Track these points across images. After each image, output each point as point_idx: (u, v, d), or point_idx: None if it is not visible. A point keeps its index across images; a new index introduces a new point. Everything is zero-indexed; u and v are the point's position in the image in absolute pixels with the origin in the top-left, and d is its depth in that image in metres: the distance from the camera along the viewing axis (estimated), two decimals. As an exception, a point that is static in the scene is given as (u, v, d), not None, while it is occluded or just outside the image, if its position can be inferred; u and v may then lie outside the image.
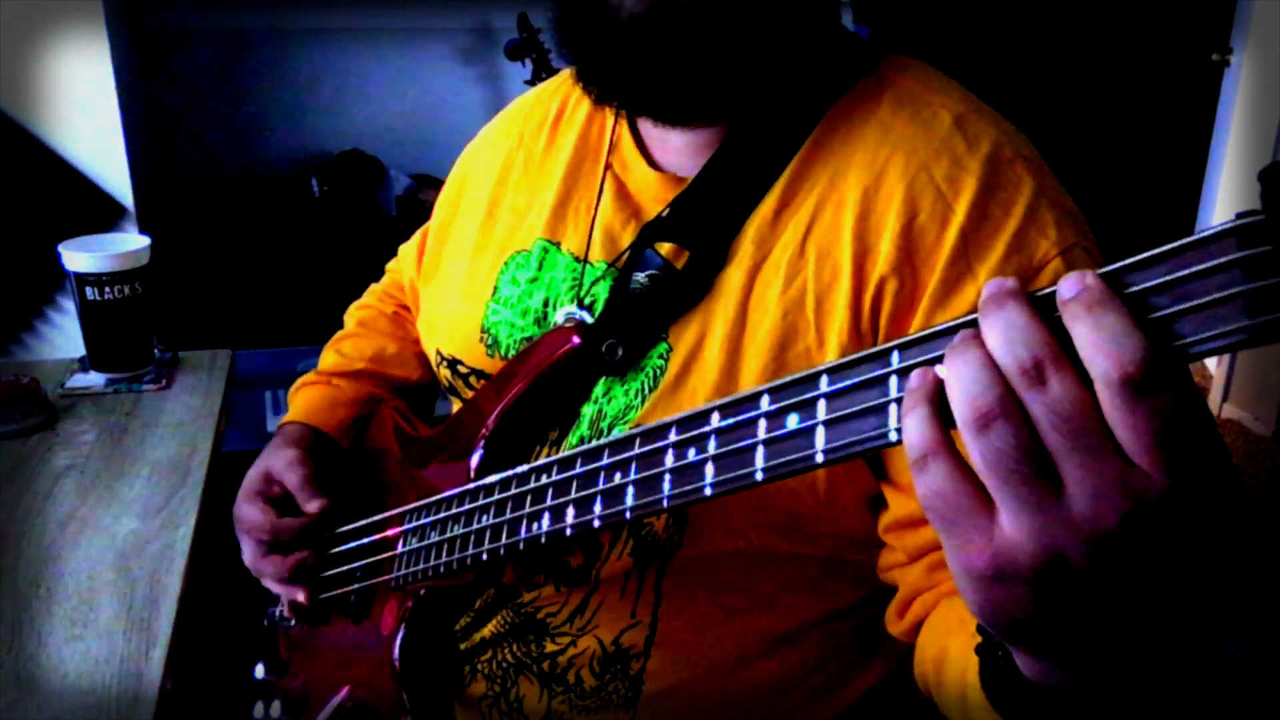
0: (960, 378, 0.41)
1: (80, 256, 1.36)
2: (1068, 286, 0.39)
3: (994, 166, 0.69)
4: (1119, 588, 0.41)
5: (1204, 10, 3.27)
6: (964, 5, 3.39)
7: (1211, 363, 3.25)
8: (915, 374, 0.43)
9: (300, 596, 0.90)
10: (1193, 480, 0.39)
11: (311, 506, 0.89)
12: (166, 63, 2.60)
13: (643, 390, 0.74)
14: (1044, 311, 0.40)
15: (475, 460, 0.77)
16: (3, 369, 1.47)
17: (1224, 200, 3.28)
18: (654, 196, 0.79)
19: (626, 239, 0.79)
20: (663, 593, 0.76)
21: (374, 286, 1.11)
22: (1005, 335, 0.40)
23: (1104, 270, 0.39)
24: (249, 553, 0.91)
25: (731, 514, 0.72)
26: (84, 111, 1.92)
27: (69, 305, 1.90)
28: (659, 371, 0.73)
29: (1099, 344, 0.38)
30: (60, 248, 1.37)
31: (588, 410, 0.76)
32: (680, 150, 0.78)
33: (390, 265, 1.11)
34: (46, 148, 1.91)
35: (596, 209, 0.80)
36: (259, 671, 0.97)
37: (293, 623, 0.96)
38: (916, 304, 0.67)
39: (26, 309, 1.95)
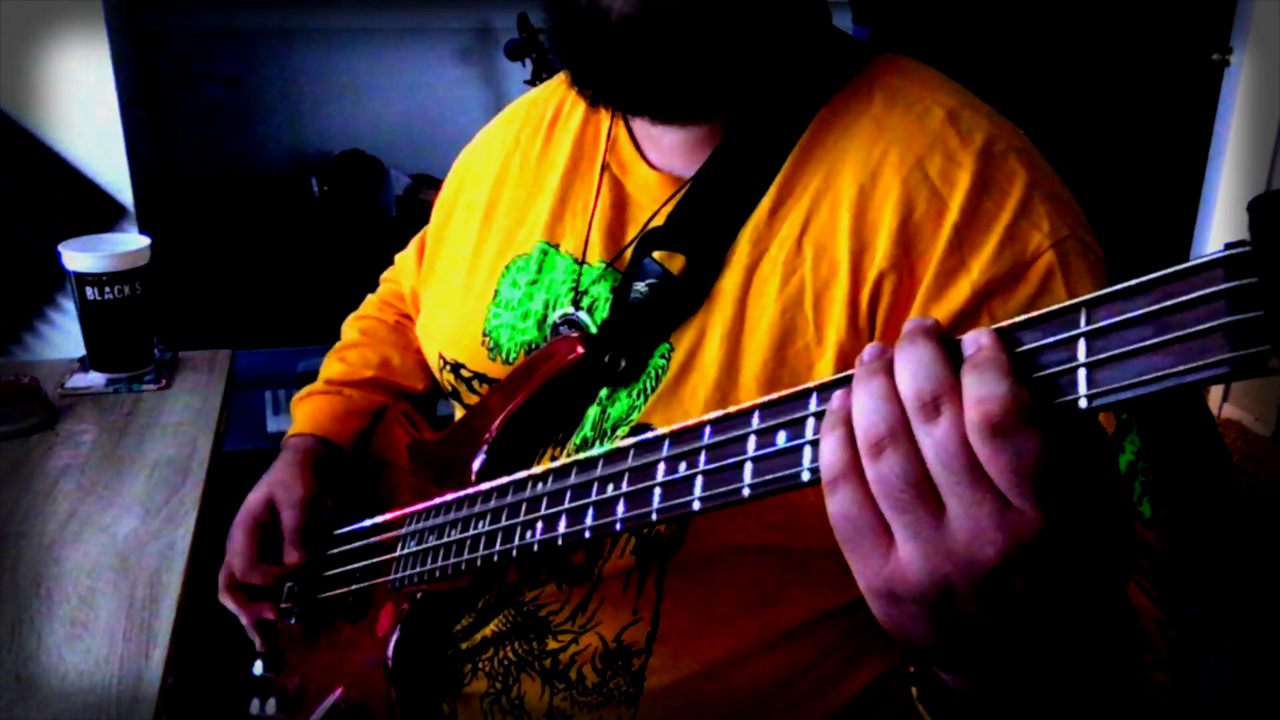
0: (860, 404, 0.43)
1: (80, 256, 1.36)
2: (965, 344, 0.42)
3: (987, 160, 0.69)
4: (1006, 615, 0.43)
5: (1204, 10, 3.27)
6: (964, 6, 3.39)
7: (1211, 363, 3.24)
8: (837, 395, 0.45)
9: (256, 642, 0.93)
10: (1070, 515, 0.41)
11: (290, 559, 0.92)
12: (166, 63, 2.60)
13: (645, 390, 0.74)
14: (953, 354, 0.42)
15: (477, 464, 0.77)
16: (3, 369, 1.47)
17: (1224, 201, 3.28)
18: (651, 196, 0.79)
19: (624, 240, 0.79)
20: (664, 589, 0.76)
21: (371, 297, 1.11)
22: (911, 369, 0.42)
23: (1021, 319, 0.41)
24: (221, 578, 0.94)
25: (734, 511, 0.72)
26: (84, 111, 1.91)
27: (69, 305, 1.90)
28: (660, 371, 0.73)
29: (969, 389, 0.40)
30: (60, 248, 1.37)
31: (591, 412, 0.76)
32: (676, 150, 0.78)
33: (386, 275, 1.11)
34: (46, 148, 1.90)
35: (594, 210, 0.81)
36: (257, 668, 0.97)
37: (292, 621, 0.96)
38: (913, 299, 0.68)
39: (26, 309, 1.95)
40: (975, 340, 0.42)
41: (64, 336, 1.96)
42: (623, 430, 0.74)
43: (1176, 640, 0.64)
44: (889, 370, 0.43)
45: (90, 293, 1.36)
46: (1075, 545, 0.42)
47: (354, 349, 1.04)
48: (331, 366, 1.04)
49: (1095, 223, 0.72)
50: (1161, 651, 0.62)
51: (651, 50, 0.68)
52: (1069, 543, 0.41)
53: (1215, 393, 3.12)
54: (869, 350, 0.45)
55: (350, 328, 1.08)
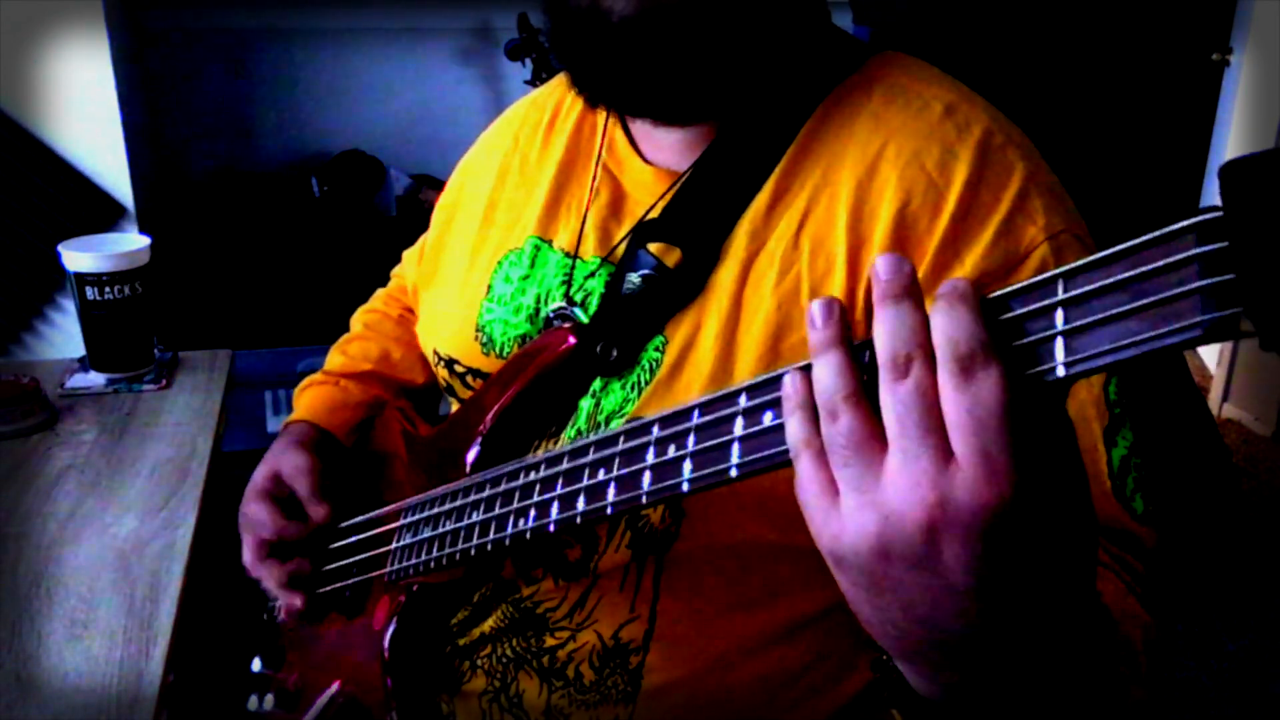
0: (818, 375, 0.45)
1: (80, 256, 1.36)
2: (941, 286, 0.43)
3: (984, 153, 0.69)
4: (944, 596, 0.43)
5: (1204, 10, 3.28)
6: (964, 6, 3.39)
7: (1211, 362, 3.25)
8: (787, 380, 0.47)
9: (297, 602, 0.90)
10: (1017, 490, 0.41)
11: (318, 514, 0.90)
12: (166, 63, 2.60)
13: (639, 384, 0.74)
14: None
15: (472, 456, 0.78)
16: (3, 369, 1.47)
17: (1224, 200, 3.28)
18: (647, 191, 0.79)
19: (619, 234, 0.79)
20: (661, 587, 0.76)
21: (379, 291, 1.12)
22: (890, 328, 0.43)
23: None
24: (249, 553, 0.92)
25: (729, 504, 0.72)
26: (84, 111, 1.92)
27: (69, 305, 1.90)
28: (654, 365, 0.74)
29: (941, 326, 0.41)
30: (60, 248, 1.37)
31: (585, 405, 0.76)
32: (673, 146, 0.78)
33: (395, 271, 1.12)
34: (46, 148, 1.91)
35: (589, 205, 0.81)
36: (256, 665, 0.97)
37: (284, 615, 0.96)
38: None
39: (26, 309, 1.96)
40: (950, 283, 0.42)
41: (64, 336, 1.96)
42: (616, 423, 0.74)
43: (1157, 640, 0.64)
44: (838, 342, 0.45)
45: (90, 293, 1.37)
46: (1022, 528, 0.41)
47: (356, 342, 1.05)
48: (333, 359, 1.05)
49: (1094, 222, 0.72)
50: (1142, 665, 0.61)
51: (652, 52, 0.68)
52: (1014, 524, 0.41)
53: (1215, 393, 3.12)
54: (820, 308, 0.46)
55: (356, 321, 1.09)
